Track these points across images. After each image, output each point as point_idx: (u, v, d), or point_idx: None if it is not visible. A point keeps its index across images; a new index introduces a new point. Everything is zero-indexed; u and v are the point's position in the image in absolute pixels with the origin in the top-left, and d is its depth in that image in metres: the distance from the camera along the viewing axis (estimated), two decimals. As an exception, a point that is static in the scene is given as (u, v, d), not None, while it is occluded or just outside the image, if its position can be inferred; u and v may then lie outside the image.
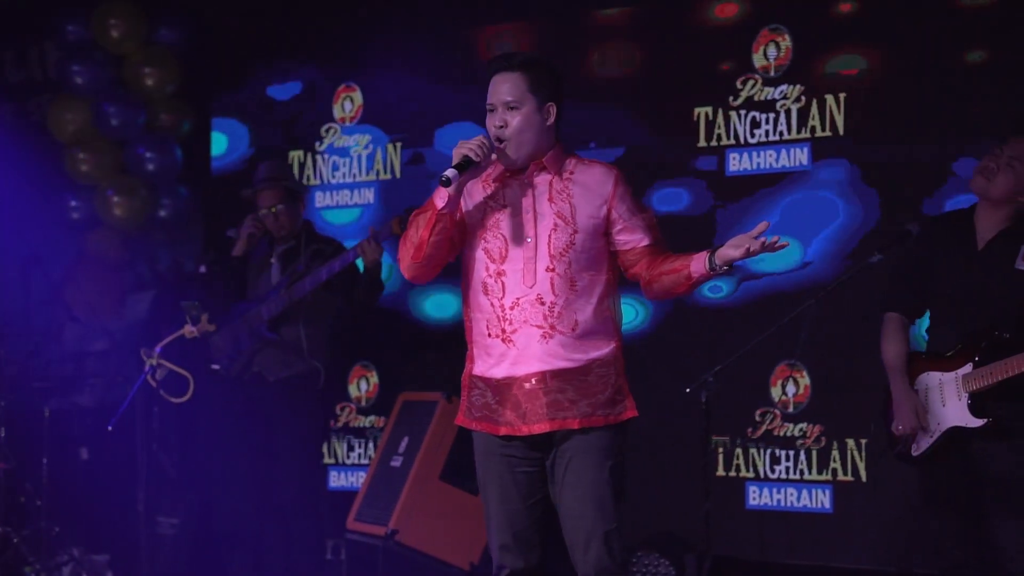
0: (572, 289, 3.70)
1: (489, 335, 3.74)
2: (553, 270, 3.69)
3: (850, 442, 5.66)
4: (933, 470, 4.39)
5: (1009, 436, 4.25)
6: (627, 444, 3.77)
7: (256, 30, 7.17)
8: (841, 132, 5.73)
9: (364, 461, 6.81)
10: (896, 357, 4.45)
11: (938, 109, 5.52)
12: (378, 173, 6.92)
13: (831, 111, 5.75)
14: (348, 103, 7.04)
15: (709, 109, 6.01)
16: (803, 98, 5.83)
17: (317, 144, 7.09)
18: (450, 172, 3.64)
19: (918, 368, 4.43)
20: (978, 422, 4.26)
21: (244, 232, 6.04)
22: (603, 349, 3.73)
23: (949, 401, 4.33)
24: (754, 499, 5.87)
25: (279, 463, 5.86)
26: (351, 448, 6.91)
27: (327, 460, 6.86)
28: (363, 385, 6.92)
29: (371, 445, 6.82)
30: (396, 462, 6.03)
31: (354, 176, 6.99)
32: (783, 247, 3.58)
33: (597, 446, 3.70)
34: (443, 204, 3.69)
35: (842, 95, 5.73)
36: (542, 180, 3.75)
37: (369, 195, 6.95)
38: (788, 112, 5.85)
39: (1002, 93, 5.36)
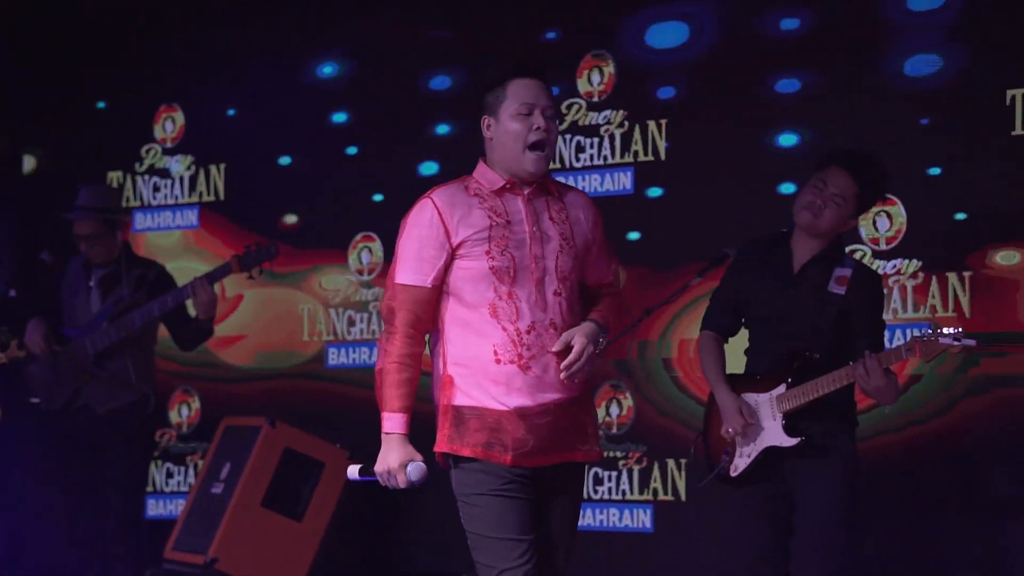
0: (572, 315, 3.52)
1: (499, 361, 3.45)
2: (560, 294, 3.50)
3: (671, 462, 5.73)
4: (750, 490, 4.47)
5: (820, 455, 4.35)
6: None
7: (73, 48, 6.99)
8: (663, 157, 5.82)
9: (184, 488, 6.66)
10: (715, 366, 4.53)
11: (756, 136, 5.65)
12: (201, 195, 6.81)
13: (653, 136, 5.85)
14: (169, 124, 6.91)
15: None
16: (626, 123, 5.91)
17: (137, 165, 6.95)
18: (352, 473, 3.53)
19: (736, 390, 4.51)
20: (791, 441, 4.35)
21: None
22: (585, 380, 3.56)
23: (765, 422, 4.41)
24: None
25: (98, 493, 5.69)
26: (170, 475, 6.75)
27: (146, 488, 6.69)
28: (184, 411, 6.77)
29: (192, 472, 6.67)
30: (217, 489, 5.92)
31: (176, 198, 6.86)
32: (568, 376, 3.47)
33: (581, 481, 3.59)
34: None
35: (663, 121, 5.83)
36: (540, 199, 3.54)
37: (192, 217, 6.82)
38: (612, 137, 5.93)
39: (805, 117, 5.52)
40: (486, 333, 3.46)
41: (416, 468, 3.45)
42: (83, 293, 5.80)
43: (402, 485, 3.45)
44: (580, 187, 5.93)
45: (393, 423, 3.46)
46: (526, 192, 3.52)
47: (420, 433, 3.53)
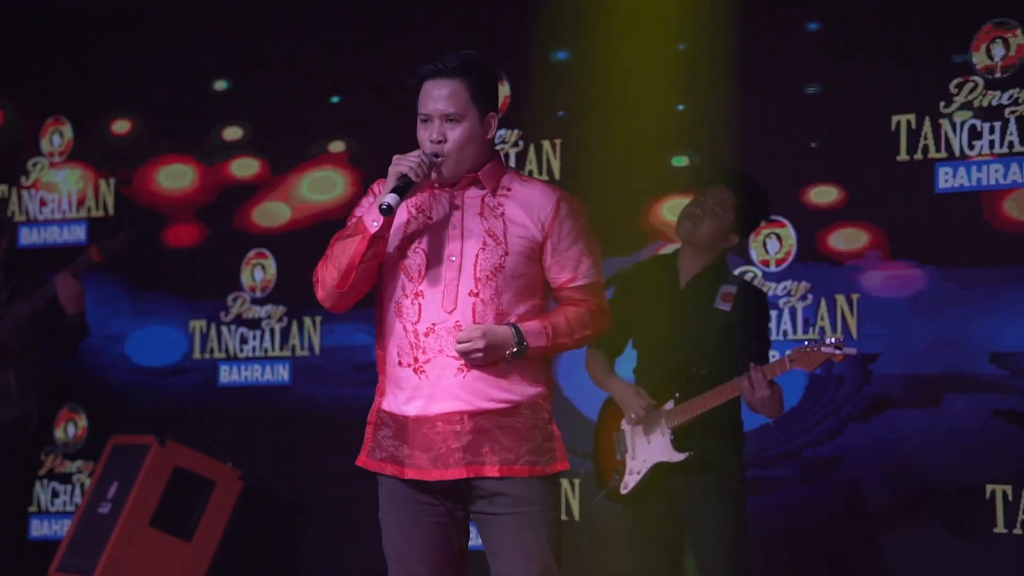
0: (497, 318, 3.26)
1: (400, 363, 3.28)
2: (477, 295, 3.26)
3: (564, 482, 5.75)
4: (640, 508, 4.51)
5: (708, 470, 4.41)
6: (558, 501, 3.35)
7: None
8: (557, 176, 5.86)
9: (70, 508, 6.54)
10: (602, 367, 4.59)
11: (650, 156, 5.71)
12: (90, 210, 6.70)
13: (547, 156, 5.89)
14: (57, 137, 6.80)
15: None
16: (521, 143, 5.94)
17: (23, 179, 6.82)
18: (391, 198, 3.20)
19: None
20: (680, 456, 4.40)
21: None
22: (530, 390, 3.29)
23: (654, 438, 4.46)
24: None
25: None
26: (56, 495, 6.63)
27: (29, 508, 6.55)
28: (71, 429, 6.65)
29: (78, 491, 6.55)
30: (104, 508, 5.81)
31: (63, 213, 6.74)
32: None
33: (525, 499, 3.24)
34: (378, 227, 3.24)
35: (558, 141, 5.87)
36: (473, 195, 3.31)
37: (80, 232, 6.71)
38: (506, 156, 5.95)
39: (698, 138, 5.60)
40: (393, 334, 3.31)
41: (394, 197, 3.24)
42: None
43: (423, 157, 3.25)
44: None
45: (371, 216, 3.25)
46: (453, 189, 3.33)
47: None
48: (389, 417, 3.33)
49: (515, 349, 3.26)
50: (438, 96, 3.29)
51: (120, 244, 5.50)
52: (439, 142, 3.28)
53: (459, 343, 3.23)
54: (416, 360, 3.28)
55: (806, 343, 4.30)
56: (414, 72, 3.34)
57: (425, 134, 3.30)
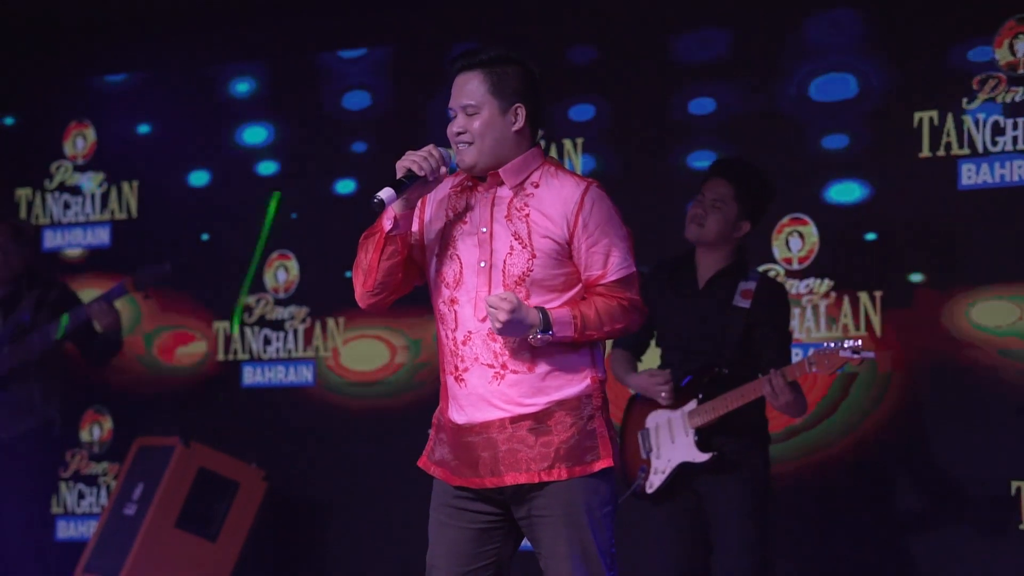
0: None
1: (446, 371, 3.29)
2: None
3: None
4: (665, 507, 4.51)
5: (732, 470, 4.41)
6: (609, 498, 3.24)
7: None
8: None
9: (96, 510, 6.57)
10: (626, 369, 4.61)
11: (670, 155, 5.71)
12: (113, 213, 6.73)
13: (569, 155, 5.89)
14: (80, 140, 6.83)
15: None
16: (541, 142, 5.93)
17: (46, 182, 6.85)
18: (384, 193, 3.15)
19: (648, 407, 4.55)
20: (704, 457, 4.40)
21: None
22: (572, 388, 3.24)
23: (678, 438, 4.46)
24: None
25: (2, 517, 5.59)
26: (82, 497, 6.66)
27: (55, 510, 6.60)
28: (96, 430, 6.68)
29: (104, 493, 6.58)
30: (130, 510, 5.84)
31: (87, 216, 6.77)
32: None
33: (566, 499, 3.19)
34: (391, 225, 3.21)
35: (579, 140, 5.87)
36: (503, 194, 3.25)
37: (104, 235, 6.74)
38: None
39: (718, 137, 5.58)
40: (440, 341, 3.32)
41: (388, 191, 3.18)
42: (-18, 314, 5.71)
43: (431, 151, 3.20)
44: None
45: (388, 213, 3.22)
46: (482, 188, 3.28)
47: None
48: (442, 423, 3.33)
49: (539, 335, 3.18)
50: (459, 91, 3.28)
51: (155, 276, 5.55)
52: (459, 134, 3.25)
53: (489, 306, 3.16)
54: (456, 368, 3.27)
55: (825, 345, 4.29)
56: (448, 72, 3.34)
57: (449, 129, 3.29)
